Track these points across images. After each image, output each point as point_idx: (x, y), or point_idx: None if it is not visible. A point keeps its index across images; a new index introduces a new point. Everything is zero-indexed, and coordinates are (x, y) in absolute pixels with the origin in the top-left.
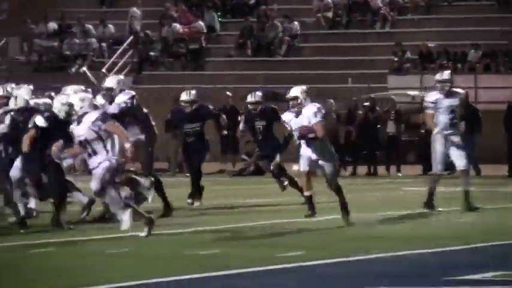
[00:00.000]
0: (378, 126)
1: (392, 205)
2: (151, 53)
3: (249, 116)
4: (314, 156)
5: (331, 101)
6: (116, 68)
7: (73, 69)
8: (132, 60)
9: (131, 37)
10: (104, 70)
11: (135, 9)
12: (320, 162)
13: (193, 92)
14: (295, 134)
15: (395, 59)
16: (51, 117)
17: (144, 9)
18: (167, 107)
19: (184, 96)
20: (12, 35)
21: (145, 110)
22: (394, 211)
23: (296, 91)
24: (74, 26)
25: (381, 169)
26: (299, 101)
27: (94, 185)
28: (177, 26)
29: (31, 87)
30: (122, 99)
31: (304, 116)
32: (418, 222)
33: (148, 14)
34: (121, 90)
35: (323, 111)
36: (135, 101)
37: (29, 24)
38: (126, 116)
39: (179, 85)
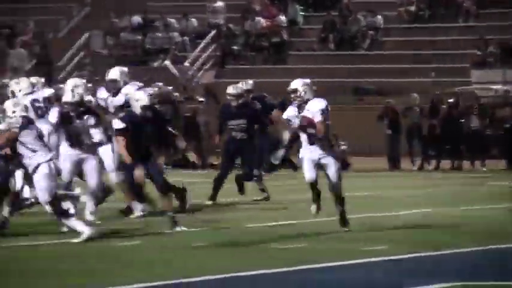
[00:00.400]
0: (462, 120)
1: (478, 199)
2: (234, 47)
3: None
4: (315, 156)
5: (415, 95)
6: (199, 62)
7: (155, 64)
8: (214, 54)
9: (214, 31)
10: (186, 64)
11: (214, 4)
12: (322, 160)
13: (239, 85)
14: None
15: (478, 53)
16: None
17: (228, 2)
18: None
19: (230, 90)
20: (95, 28)
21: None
22: (479, 205)
23: (296, 83)
24: (157, 20)
25: (465, 163)
26: (298, 93)
27: (42, 196)
28: (260, 20)
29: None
30: (128, 90)
31: (309, 110)
32: (504, 216)
33: (231, 8)
34: (125, 82)
35: (328, 109)
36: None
37: (111, 18)
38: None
39: (262, 79)
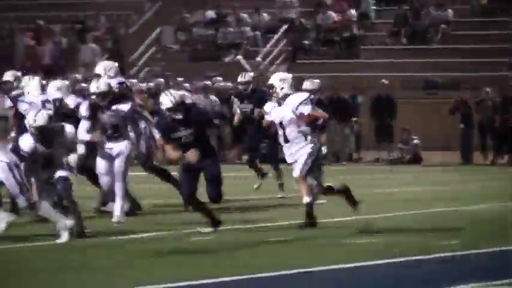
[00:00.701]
0: None
1: None
2: (305, 42)
3: (238, 98)
4: (291, 159)
5: (487, 88)
6: (271, 57)
7: (227, 59)
8: (286, 48)
9: (285, 25)
10: (258, 59)
11: None
12: (296, 157)
13: (316, 81)
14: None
15: None
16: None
17: None
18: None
19: (308, 86)
20: (167, 24)
21: (138, 101)
22: None
23: (272, 79)
24: (229, 15)
25: None
26: (274, 89)
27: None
28: (332, 14)
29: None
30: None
31: (288, 104)
32: None
33: (303, 2)
34: (111, 77)
35: (310, 101)
36: (123, 88)
37: (182, 13)
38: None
39: (333, 73)
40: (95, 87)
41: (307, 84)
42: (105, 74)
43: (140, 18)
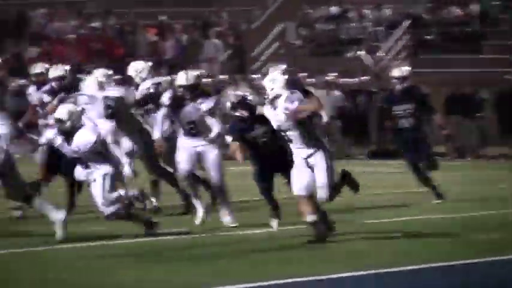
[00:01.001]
0: None
1: None
2: (428, 37)
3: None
4: (304, 154)
5: None
6: (393, 52)
7: (348, 54)
8: (408, 44)
9: (406, 21)
10: (380, 54)
11: None
12: (310, 160)
13: (404, 68)
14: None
15: None
16: None
17: None
18: (445, 92)
19: (396, 73)
20: (289, 19)
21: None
22: None
23: (264, 80)
24: (351, 10)
25: None
26: (265, 91)
27: None
28: (453, 9)
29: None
30: (144, 85)
31: (279, 106)
32: None
33: None
34: (143, 79)
35: (296, 96)
36: (160, 88)
37: (304, 9)
38: (148, 104)
39: (456, 69)
40: (183, 79)
41: (395, 72)
42: (136, 76)
43: (263, 14)
